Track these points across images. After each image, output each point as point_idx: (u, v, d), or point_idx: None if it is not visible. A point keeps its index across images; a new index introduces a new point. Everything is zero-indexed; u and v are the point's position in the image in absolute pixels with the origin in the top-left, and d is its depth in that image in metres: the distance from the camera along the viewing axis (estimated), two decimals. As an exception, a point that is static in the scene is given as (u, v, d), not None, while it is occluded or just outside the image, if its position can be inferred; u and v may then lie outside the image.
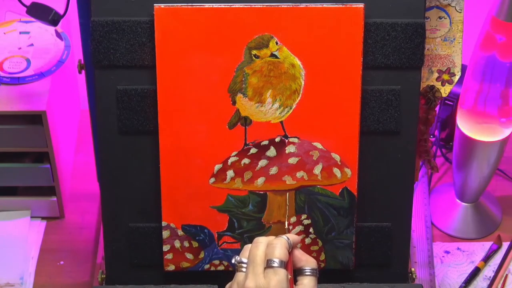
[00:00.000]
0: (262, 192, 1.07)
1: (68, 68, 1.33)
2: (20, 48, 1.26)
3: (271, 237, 0.93)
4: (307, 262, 0.94)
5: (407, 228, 1.10)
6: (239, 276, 0.91)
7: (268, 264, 0.90)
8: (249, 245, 0.93)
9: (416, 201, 1.32)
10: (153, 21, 1.03)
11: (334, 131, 1.05)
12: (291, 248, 0.93)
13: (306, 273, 0.93)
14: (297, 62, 1.04)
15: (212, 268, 1.09)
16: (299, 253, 0.94)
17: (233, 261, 0.93)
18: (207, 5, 1.02)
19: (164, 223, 1.08)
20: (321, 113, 1.05)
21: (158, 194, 1.07)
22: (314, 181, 1.07)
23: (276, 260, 0.90)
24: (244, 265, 0.92)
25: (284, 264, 0.90)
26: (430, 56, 1.09)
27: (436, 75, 1.10)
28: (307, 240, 1.09)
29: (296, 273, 0.94)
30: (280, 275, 0.89)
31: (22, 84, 1.21)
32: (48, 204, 1.30)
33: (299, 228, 1.08)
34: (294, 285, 0.92)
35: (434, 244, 1.28)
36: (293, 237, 0.94)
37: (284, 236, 0.93)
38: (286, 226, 1.07)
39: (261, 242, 0.92)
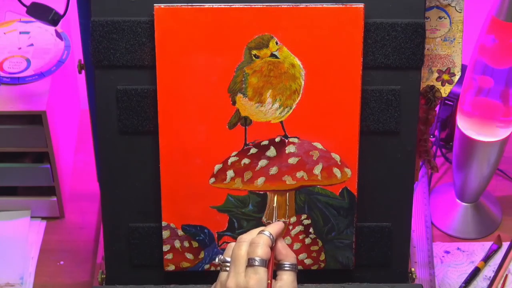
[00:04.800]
0: (262, 192, 1.07)
1: (68, 68, 1.33)
2: (20, 48, 1.26)
3: (255, 233, 0.94)
4: (287, 256, 0.94)
5: (407, 228, 1.10)
6: (222, 275, 0.92)
7: (249, 263, 0.91)
8: (233, 243, 0.94)
9: (416, 201, 1.32)
10: (153, 21, 1.03)
11: (334, 131, 1.05)
12: (273, 243, 0.93)
13: (285, 268, 0.93)
14: (297, 62, 1.04)
15: (212, 268, 1.09)
16: (281, 246, 0.94)
17: (216, 260, 0.94)
18: (207, 5, 1.02)
19: (164, 223, 1.08)
20: (321, 113, 1.05)
21: (158, 194, 1.07)
22: (314, 181, 1.07)
23: (257, 259, 0.90)
24: (228, 264, 0.93)
25: (265, 263, 0.91)
26: (430, 56, 1.09)
27: (436, 75, 1.10)
28: (307, 240, 1.09)
29: (276, 266, 0.94)
30: (260, 274, 0.90)
31: (22, 84, 1.21)
32: (48, 204, 1.30)
33: (299, 228, 1.08)
34: (273, 281, 0.93)
35: (434, 244, 1.28)
36: (275, 228, 0.94)
37: (267, 232, 0.93)
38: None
39: (244, 241, 0.93)
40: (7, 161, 1.25)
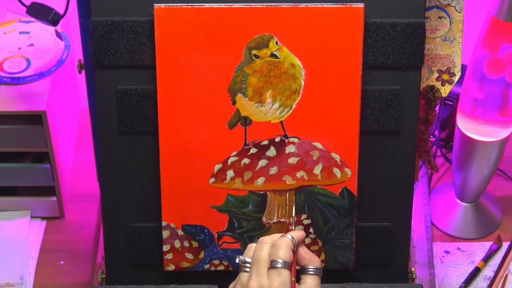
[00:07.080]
0: (262, 192, 1.07)
1: (68, 68, 1.33)
2: (20, 48, 1.26)
3: (276, 236, 0.92)
4: (311, 261, 0.93)
5: (407, 228, 1.10)
6: (243, 276, 0.91)
7: (272, 265, 0.89)
8: (253, 244, 0.92)
9: (416, 201, 1.32)
10: (153, 21, 1.03)
11: (334, 131, 1.06)
12: (295, 247, 0.92)
13: (310, 272, 0.92)
14: (297, 62, 1.04)
15: (212, 268, 1.10)
16: (303, 252, 0.93)
17: (237, 260, 0.92)
18: (207, 5, 1.02)
19: (164, 223, 1.08)
20: (321, 113, 1.05)
21: (158, 194, 1.07)
22: (314, 181, 1.07)
23: (280, 261, 0.89)
24: (248, 265, 0.91)
25: (288, 265, 0.89)
26: (430, 56, 1.09)
27: (436, 75, 1.10)
28: (307, 240, 1.09)
29: (300, 271, 0.93)
30: (284, 276, 0.88)
31: (22, 84, 1.21)
32: (48, 204, 1.30)
33: (299, 228, 1.08)
34: (297, 284, 0.92)
35: (434, 244, 1.28)
36: (297, 234, 0.93)
37: (289, 236, 0.92)
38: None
39: (266, 242, 0.91)
40: (7, 161, 1.25)
